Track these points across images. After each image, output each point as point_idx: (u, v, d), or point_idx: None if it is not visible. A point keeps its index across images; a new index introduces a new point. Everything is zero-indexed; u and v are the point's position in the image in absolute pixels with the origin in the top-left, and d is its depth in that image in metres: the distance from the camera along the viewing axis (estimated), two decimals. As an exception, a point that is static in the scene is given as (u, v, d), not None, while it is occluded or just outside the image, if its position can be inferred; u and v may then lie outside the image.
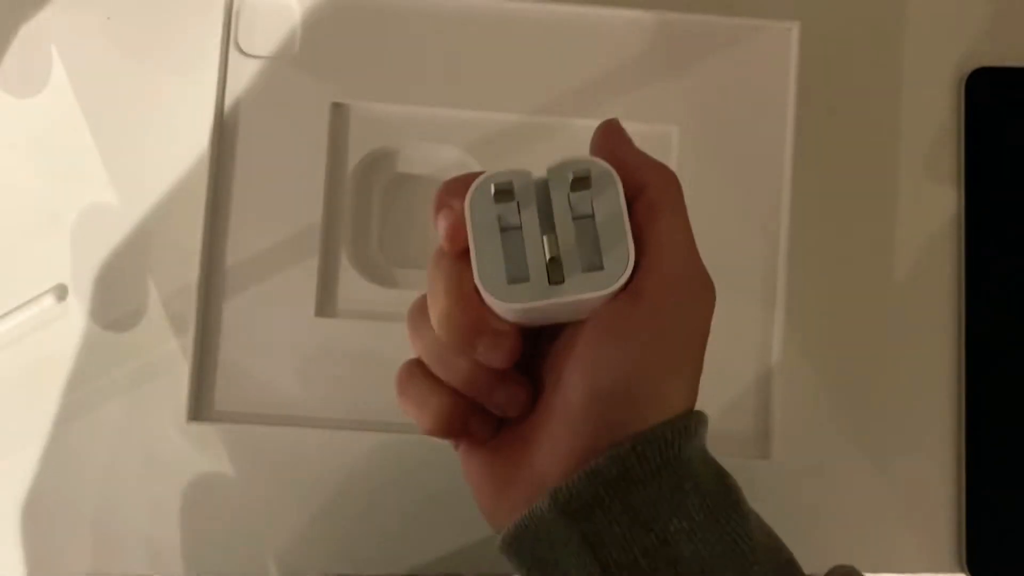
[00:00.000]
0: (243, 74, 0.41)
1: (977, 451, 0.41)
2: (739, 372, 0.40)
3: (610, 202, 0.27)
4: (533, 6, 0.41)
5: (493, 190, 0.27)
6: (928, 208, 0.43)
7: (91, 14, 0.43)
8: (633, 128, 0.42)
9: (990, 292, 0.42)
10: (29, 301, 0.42)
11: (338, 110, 0.41)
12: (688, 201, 0.41)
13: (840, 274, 0.43)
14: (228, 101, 0.41)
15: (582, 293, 0.26)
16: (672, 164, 0.41)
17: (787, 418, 0.40)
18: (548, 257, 0.27)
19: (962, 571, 0.41)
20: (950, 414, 0.42)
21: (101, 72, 0.43)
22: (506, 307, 0.27)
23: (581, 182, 0.27)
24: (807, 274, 0.42)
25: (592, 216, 0.27)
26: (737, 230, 0.41)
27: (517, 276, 0.27)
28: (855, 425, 0.42)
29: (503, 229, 0.27)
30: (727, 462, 0.40)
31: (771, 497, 0.42)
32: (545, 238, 0.27)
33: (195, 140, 0.41)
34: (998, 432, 0.41)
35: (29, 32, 0.43)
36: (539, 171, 0.28)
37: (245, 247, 0.41)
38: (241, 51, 0.41)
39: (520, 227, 0.27)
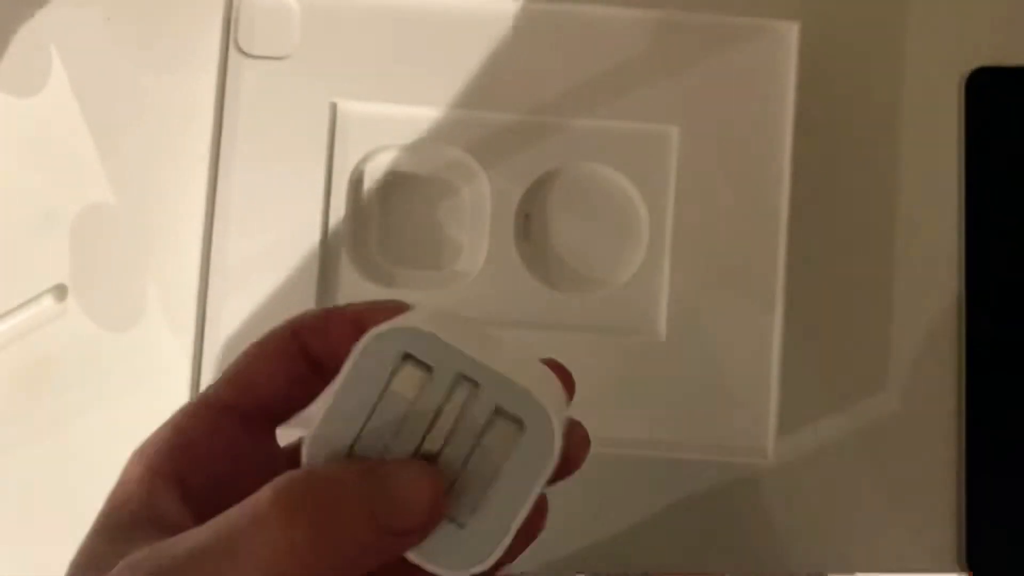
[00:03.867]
0: (243, 74, 0.41)
1: (977, 450, 0.41)
2: (739, 372, 0.40)
3: (526, 470, 0.21)
4: (533, 5, 0.41)
5: (399, 359, 0.21)
6: (929, 207, 0.43)
7: (90, 13, 0.43)
8: (633, 128, 0.42)
9: (991, 292, 0.42)
10: (28, 301, 0.42)
11: (338, 110, 0.41)
12: (688, 201, 0.41)
13: (840, 274, 0.42)
14: (228, 101, 0.41)
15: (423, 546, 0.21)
16: (672, 164, 0.41)
17: (787, 418, 0.40)
18: (419, 448, 0.21)
19: (962, 570, 0.41)
20: (950, 413, 0.42)
21: (100, 72, 0.43)
22: None
23: (507, 422, 0.21)
24: (807, 274, 0.42)
25: (496, 468, 0.21)
26: (737, 230, 0.41)
27: (365, 451, 0.21)
28: (855, 424, 0.42)
29: (381, 399, 0.21)
30: (727, 462, 0.40)
31: (771, 497, 0.42)
32: (423, 447, 0.21)
33: (195, 139, 0.41)
34: (999, 431, 0.41)
35: (28, 31, 0.43)
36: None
37: (245, 247, 0.41)
38: (241, 51, 0.41)
39: (408, 404, 0.21)
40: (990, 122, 0.43)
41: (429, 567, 0.21)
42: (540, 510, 0.24)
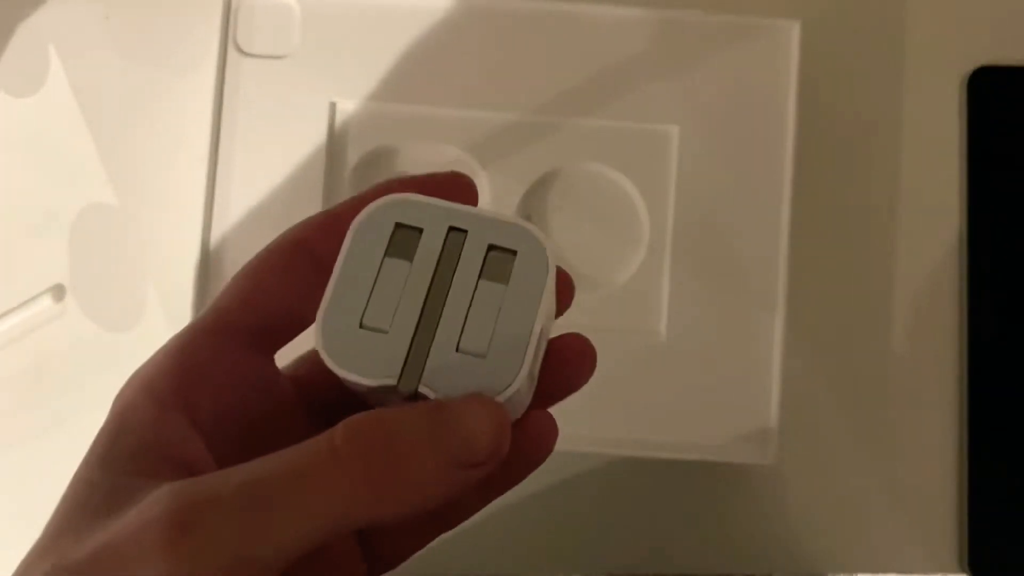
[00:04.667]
0: (242, 73, 0.41)
1: (979, 451, 0.41)
2: (739, 372, 0.40)
3: (527, 292, 0.22)
4: (533, 5, 0.41)
5: (392, 228, 0.22)
6: (930, 208, 0.43)
7: (89, 13, 0.43)
8: (633, 128, 0.42)
9: (993, 292, 0.42)
10: (27, 301, 0.42)
11: (337, 109, 0.41)
12: (689, 200, 0.41)
13: (841, 274, 0.42)
14: (227, 100, 0.41)
15: (445, 382, 0.21)
16: (672, 164, 0.41)
17: (787, 419, 0.40)
18: (420, 317, 0.21)
19: (963, 572, 0.41)
20: (952, 414, 0.42)
21: (99, 71, 0.43)
22: (346, 373, 0.21)
23: (502, 254, 0.22)
24: (808, 274, 0.42)
25: (500, 301, 0.22)
26: (737, 230, 0.41)
27: (374, 323, 0.21)
28: (856, 425, 0.42)
29: (381, 269, 0.22)
30: (727, 463, 0.40)
31: (771, 498, 0.42)
32: (430, 295, 0.22)
33: (194, 139, 0.41)
34: (1000, 432, 0.41)
35: (27, 30, 0.43)
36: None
37: (244, 247, 0.41)
38: (240, 50, 0.41)
39: (406, 273, 0.22)
40: (991, 122, 0.43)
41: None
42: (565, 287, 0.24)
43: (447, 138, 0.41)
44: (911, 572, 0.42)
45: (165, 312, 0.42)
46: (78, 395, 0.42)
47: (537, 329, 0.22)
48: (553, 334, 0.24)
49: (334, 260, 0.22)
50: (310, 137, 0.41)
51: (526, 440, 0.23)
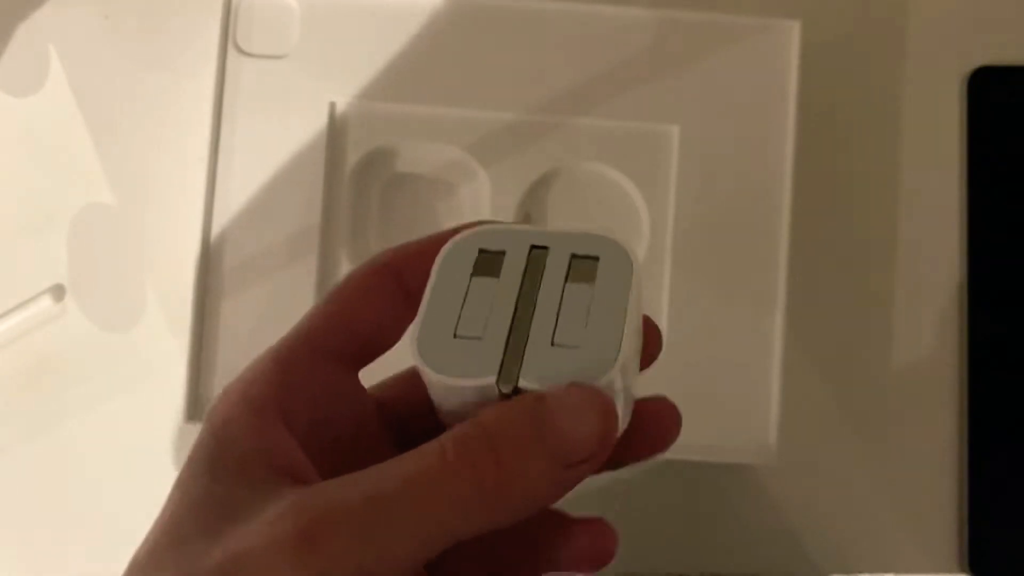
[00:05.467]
0: (241, 72, 0.41)
1: (979, 451, 0.41)
2: (740, 372, 0.40)
3: (615, 289, 0.22)
4: (533, 4, 0.41)
5: (477, 254, 0.23)
6: (931, 208, 0.43)
7: (89, 12, 0.43)
8: (633, 127, 0.42)
9: (994, 293, 0.42)
10: (26, 301, 0.42)
11: (337, 109, 0.41)
12: (689, 200, 0.41)
13: (841, 274, 0.42)
14: (226, 99, 0.41)
15: (545, 373, 0.21)
16: (672, 164, 0.41)
17: (788, 419, 0.40)
18: (513, 321, 0.22)
19: (964, 572, 0.41)
20: (952, 414, 0.42)
21: (99, 70, 0.43)
22: (445, 378, 0.21)
23: (585, 260, 0.23)
24: (808, 274, 0.42)
25: (590, 300, 0.22)
26: (737, 229, 0.41)
27: (467, 332, 0.22)
28: (856, 425, 0.42)
29: (470, 288, 0.23)
30: (728, 463, 0.40)
31: (772, 498, 0.42)
32: (519, 303, 0.22)
33: (193, 139, 0.41)
34: (1001, 432, 0.41)
35: (26, 30, 0.43)
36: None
37: (243, 247, 0.41)
38: (239, 49, 0.41)
39: (495, 288, 0.22)
40: (992, 122, 0.43)
41: (595, 378, 0.21)
42: (652, 332, 0.25)
43: (447, 138, 0.41)
44: (912, 572, 0.42)
45: (165, 312, 0.42)
46: (78, 395, 0.42)
47: (631, 316, 0.22)
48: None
49: (421, 287, 0.23)
50: (310, 137, 0.41)
51: (646, 419, 0.24)
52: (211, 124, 0.41)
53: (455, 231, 0.24)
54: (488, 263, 0.23)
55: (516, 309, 0.22)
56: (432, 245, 0.24)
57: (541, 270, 0.23)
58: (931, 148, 0.43)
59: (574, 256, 0.23)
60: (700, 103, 0.41)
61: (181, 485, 0.21)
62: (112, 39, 0.43)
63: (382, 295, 0.24)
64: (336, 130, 0.41)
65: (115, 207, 0.42)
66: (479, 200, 0.41)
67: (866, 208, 0.43)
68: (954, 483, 0.42)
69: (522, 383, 0.21)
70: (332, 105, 0.41)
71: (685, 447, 0.40)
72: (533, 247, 0.23)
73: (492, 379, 0.21)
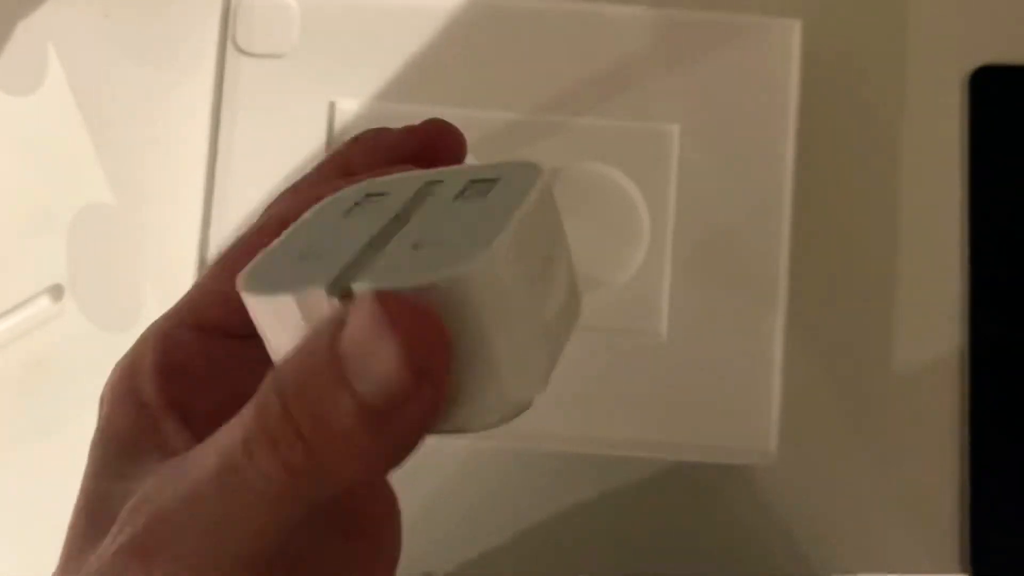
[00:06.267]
0: (241, 72, 0.41)
1: (981, 451, 0.41)
2: (741, 372, 0.40)
3: (510, 198, 0.17)
4: (533, 3, 0.41)
5: (363, 196, 0.19)
6: (933, 208, 0.43)
7: (88, 11, 0.43)
8: (633, 127, 0.42)
9: (996, 293, 0.42)
10: (24, 301, 0.42)
11: (337, 108, 0.41)
12: (689, 200, 0.41)
13: (843, 273, 0.42)
14: (226, 99, 0.41)
15: (386, 274, 0.16)
16: (673, 163, 0.41)
17: (789, 419, 0.40)
18: (374, 235, 0.17)
19: (966, 572, 0.41)
20: (954, 414, 0.42)
21: (98, 70, 0.43)
22: (261, 298, 0.16)
23: (479, 186, 0.18)
24: (809, 274, 0.41)
25: (477, 213, 0.17)
26: (738, 229, 0.40)
27: (311, 252, 0.17)
28: (858, 425, 0.42)
29: (335, 225, 0.18)
30: (729, 464, 0.40)
31: (773, 498, 0.42)
32: (389, 224, 0.18)
33: (192, 138, 0.41)
34: (1002, 433, 0.41)
35: (25, 29, 0.43)
36: None
37: (243, 247, 0.41)
38: (239, 49, 0.41)
39: (370, 215, 0.18)
40: (993, 121, 0.43)
41: (420, 280, 0.15)
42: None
43: (447, 137, 0.41)
44: (914, 573, 0.42)
45: (162, 312, 0.42)
46: (76, 395, 0.42)
47: (528, 219, 0.16)
48: None
49: None
50: (309, 136, 0.41)
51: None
52: (210, 124, 0.41)
53: (348, 153, 0.21)
54: (368, 202, 0.18)
55: (384, 229, 0.17)
56: (329, 179, 0.21)
57: (426, 197, 0.18)
58: (932, 147, 0.43)
59: (471, 181, 0.18)
60: (701, 102, 0.41)
61: (82, 484, 0.21)
62: (111, 38, 0.43)
63: None
64: (336, 129, 0.41)
65: (114, 207, 0.42)
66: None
67: (867, 208, 0.43)
68: (956, 483, 0.41)
69: (355, 287, 0.15)
70: (332, 105, 0.41)
71: (686, 448, 0.40)
72: (426, 183, 0.19)
73: (319, 289, 0.16)
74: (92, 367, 0.42)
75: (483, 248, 0.15)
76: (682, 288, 0.40)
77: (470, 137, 0.42)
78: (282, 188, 0.41)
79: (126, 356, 0.22)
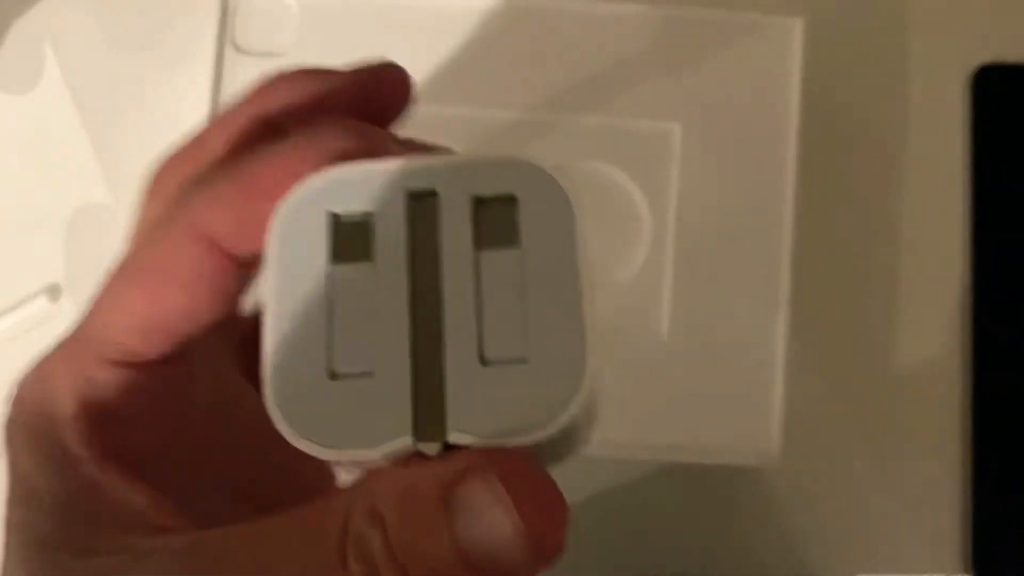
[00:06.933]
0: (239, 71, 0.41)
1: (984, 451, 0.41)
2: (743, 373, 0.40)
3: (554, 248, 0.15)
4: (533, 2, 0.41)
5: (328, 222, 0.15)
6: (935, 208, 0.42)
7: (85, 10, 0.43)
8: (634, 125, 0.42)
9: (999, 292, 0.42)
10: (21, 302, 0.41)
11: (335, 107, 0.41)
12: (691, 199, 0.41)
13: (844, 274, 0.42)
14: (224, 98, 0.41)
15: (481, 415, 0.14)
16: (674, 162, 0.40)
17: (792, 420, 0.40)
18: (414, 335, 0.14)
19: (968, 573, 0.41)
20: (957, 414, 0.42)
21: (95, 69, 0.42)
22: (335, 452, 0.14)
23: (496, 207, 0.15)
24: (811, 273, 0.41)
25: (519, 273, 0.15)
26: (740, 228, 0.40)
27: (349, 367, 0.14)
28: (860, 425, 0.42)
29: (334, 281, 0.15)
30: (731, 464, 0.40)
31: (774, 499, 0.42)
32: (415, 301, 0.15)
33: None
34: (1006, 433, 0.41)
35: (22, 27, 0.43)
36: None
37: (241, 247, 0.40)
38: (237, 48, 0.41)
39: (371, 280, 0.15)
40: (996, 120, 0.42)
41: (536, 435, 0.14)
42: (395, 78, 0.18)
43: (446, 136, 0.41)
44: (916, 573, 0.41)
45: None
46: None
47: (588, 288, 0.15)
48: None
49: (256, 251, 0.16)
50: (308, 135, 0.41)
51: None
52: (208, 123, 0.41)
53: (249, 106, 0.18)
54: (350, 238, 0.15)
55: (413, 312, 0.15)
56: (249, 197, 0.17)
57: (434, 235, 0.15)
58: (934, 146, 0.43)
59: (478, 202, 0.15)
60: (702, 101, 0.41)
61: (16, 559, 0.17)
62: (109, 37, 0.43)
63: (202, 278, 0.18)
64: (334, 129, 0.41)
65: (112, 206, 0.42)
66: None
67: (869, 207, 0.42)
68: (958, 483, 0.41)
69: (453, 438, 0.14)
70: (330, 103, 0.41)
71: (687, 448, 0.40)
72: (411, 195, 0.15)
73: (408, 442, 0.14)
74: (89, 368, 0.42)
75: (577, 362, 0.14)
76: (683, 288, 0.40)
77: (470, 135, 0.42)
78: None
79: (20, 405, 0.18)
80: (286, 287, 0.15)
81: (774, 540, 0.41)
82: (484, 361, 0.14)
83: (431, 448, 0.14)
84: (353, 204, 0.15)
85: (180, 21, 0.43)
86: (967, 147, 0.42)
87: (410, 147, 0.19)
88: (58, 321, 0.41)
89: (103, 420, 0.18)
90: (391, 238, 0.15)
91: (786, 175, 0.40)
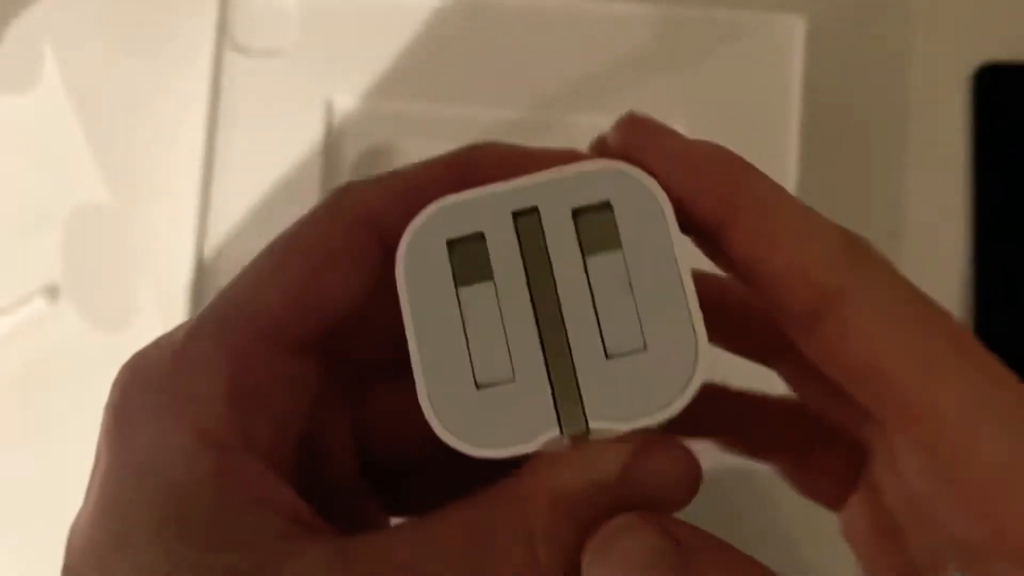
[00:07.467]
0: (238, 70, 0.41)
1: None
2: (741, 373, 0.40)
3: (652, 244, 0.17)
4: (533, 1, 0.41)
5: (446, 248, 0.17)
6: (936, 207, 0.42)
7: (84, 9, 0.43)
8: (635, 125, 0.42)
9: (1001, 292, 0.42)
10: (19, 301, 0.41)
11: (335, 107, 0.41)
12: (691, 199, 0.41)
13: (846, 273, 0.42)
14: (223, 97, 0.41)
15: (614, 403, 0.17)
16: (675, 161, 0.40)
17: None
18: (543, 341, 0.17)
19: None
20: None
21: (94, 68, 0.42)
22: (494, 451, 0.17)
23: (594, 215, 0.18)
24: (812, 273, 0.41)
25: (624, 272, 0.17)
26: (741, 228, 0.40)
27: (492, 376, 0.17)
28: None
29: (462, 302, 0.17)
30: (729, 465, 0.40)
31: (776, 499, 0.41)
32: (538, 311, 0.17)
33: (188, 137, 0.41)
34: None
35: (21, 27, 0.43)
36: None
37: (239, 247, 0.40)
38: (236, 47, 0.41)
39: (494, 296, 0.17)
40: (999, 119, 0.42)
41: (651, 419, 0.17)
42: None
43: (447, 135, 0.41)
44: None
45: (160, 312, 0.42)
46: (71, 397, 0.41)
47: (687, 278, 0.17)
48: None
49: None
50: (307, 135, 0.41)
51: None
52: (207, 122, 0.41)
53: (451, 160, 0.19)
54: (469, 261, 0.17)
55: (537, 321, 0.17)
56: (422, 181, 0.18)
57: (544, 249, 0.17)
58: (937, 145, 0.43)
59: (577, 213, 0.18)
60: (703, 99, 0.41)
61: (147, 558, 0.15)
62: (107, 35, 0.43)
63: (359, 262, 0.18)
64: (334, 128, 0.41)
65: (110, 206, 0.42)
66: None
67: (870, 206, 0.42)
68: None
69: (595, 425, 0.17)
70: (330, 103, 0.41)
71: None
72: (515, 214, 0.18)
73: (555, 432, 0.17)
74: (88, 368, 0.42)
75: (689, 347, 0.17)
76: (684, 288, 0.40)
77: (470, 134, 0.41)
78: (280, 187, 0.40)
79: (144, 378, 0.17)
80: (421, 311, 0.17)
81: (773, 540, 0.41)
82: (608, 354, 0.17)
83: (575, 431, 0.17)
84: (464, 229, 0.18)
85: (180, 21, 0.42)
86: (968, 146, 0.42)
87: (543, 156, 0.20)
88: (56, 321, 0.41)
89: (243, 402, 0.17)
90: (505, 256, 0.17)
91: (787, 174, 0.40)
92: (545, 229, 0.17)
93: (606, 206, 0.18)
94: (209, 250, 0.40)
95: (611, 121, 0.40)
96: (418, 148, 0.42)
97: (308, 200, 0.40)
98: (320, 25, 0.41)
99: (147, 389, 0.17)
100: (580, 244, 0.17)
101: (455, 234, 0.17)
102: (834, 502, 0.22)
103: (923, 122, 0.43)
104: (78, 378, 0.41)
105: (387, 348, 0.18)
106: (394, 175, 0.19)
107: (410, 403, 0.17)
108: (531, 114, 0.41)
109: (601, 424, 0.17)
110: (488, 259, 0.17)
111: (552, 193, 0.18)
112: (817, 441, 0.19)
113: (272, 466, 0.17)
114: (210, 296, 0.40)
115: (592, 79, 0.41)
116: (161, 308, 0.42)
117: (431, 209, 0.18)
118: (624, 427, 0.17)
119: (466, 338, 0.17)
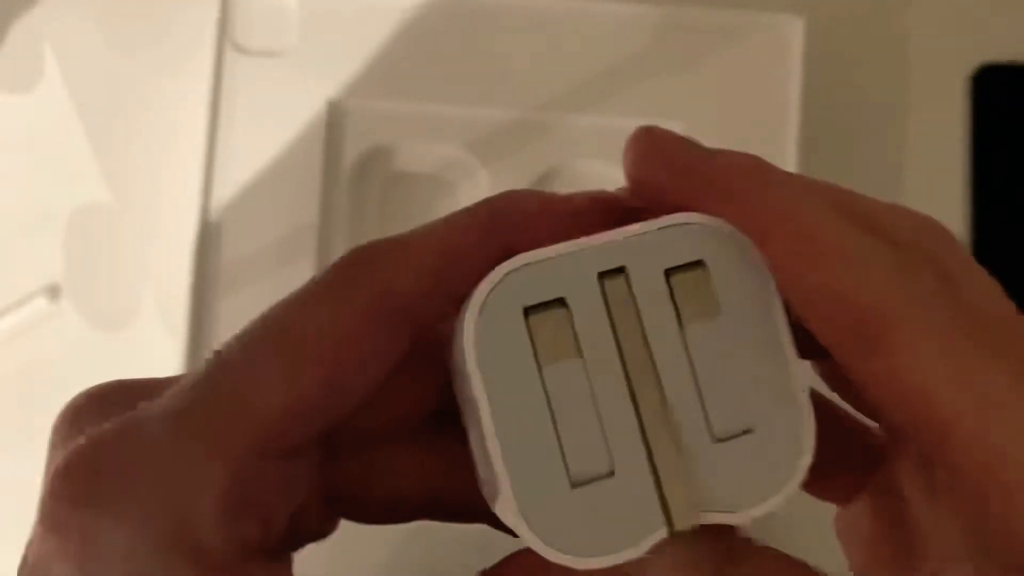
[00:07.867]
0: (239, 70, 0.41)
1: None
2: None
3: (751, 307, 0.15)
4: (533, 1, 0.41)
5: (524, 318, 0.15)
6: (935, 206, 0.42)
7: (85, 9, 0.43)
8: (635, 125, 0.42)
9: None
10: (20, 301, 0.41)
11: (335, 107, 0.41)
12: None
13: (845, 273, 0.42)
14: (223, 97, 0.41)
15: (726, 491, 0.15)
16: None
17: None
18: (643, 427, 0.15)
19: (969, 574, 0.41)
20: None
21: (95, 69, 0.42)
22: (599, 560, 0.15)
23: (688, 276, 0.15)
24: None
25: (725, 341, 0.15)
26: (741, 228, 0.40)
27: (588, 470, 0.15)
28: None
29: (547, 383, 0.15)
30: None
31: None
32: (634, 391, 0.15)
33: (189, 137, 0.41)
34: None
35: (21, 28, 0.43)
36: None
37: (240, 247, 0.40)
38: (237, 47, 0.41)
39: (583, 375, 0.15)
40: (996, 119, 0.42)
41: (767, 505, 0.15)
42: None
43: (447, 136, 0.41)
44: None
45: (161, 312, 0.42)
46: (73, 395, 0.41)
47: (791, 349, 0.15)
48: None
49: (433, 325, 0.16)
50: (307, 135, 0.41)
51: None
52: (207, 122, 0.40)
53: (474, 217, 0.17)
54: (551, 332, 0.15)
55: (635, 403, 0.15)
56: (447, 251, 0.16)
57: (636, 317, 0.15)
58: (935, 145, 0.43)
59: (669, 273, 0.15)
60: (703, 100, 0.41)
61: None
62: (108, 36, 0.42)
63: (383, 356, 0.16)
64: (334, 128, 0.41)
65: (111, 206, 0.42)
66: (478, 199, 0.41)
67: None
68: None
69: (708, 519, 0.15)
70: (330, 103, 0.41)
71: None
72: (601, 275, 0.15)
73: (662, 532, 0.15)
74: (88, 368, 0.42)
75: (797, 418, 0.15)
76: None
77: (470, 134, 0.42)
78: (280, 186, 0.40)
79: (119, 477, 0.15)
80: (500, 395, 0.15)
81: (775, 541, 0.41)
82: (715, 437, 0.15)
83: (688, 528, 0.15)
84: (544, 295, 0.15)
85: (180, 21, 0.42)
86: (967, 146, 0.42)
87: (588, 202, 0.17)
88: (57, 321, 0.41)
89: (240, 512, 0.15)
90: (593, 327, 0.15)
91: (787, 174, 0.40)
92: (635, 294, 0.15)
93: (698, 263, 0.15)
94: (209, 250, 0.40)
95: (611, 121, 0.40)
96: (419, 148, 0.42)
97: (308, 199, 0.40)
98: (320, 25, 0.41)
99: (125, 481, 0.15)
100: (676, 310, 0.15)
101: (532, 301, 0.15)
102: (841, 499, 0.21)
103: (922, 122, 0.43)
104: (78, 377, 0.41)
105: (382, 416, 0.17)
106: (417, 238, 0.17)
107: (399, 462, 0.16)
108: (531, 114, 0.41)
109: (712, 519, 0.15)
110: (574, 331, 0.15)
111: (639, 251, 0.15)
112: (833, 435, 0.18)
113: (269, 569, 0.16)
114: (210, 296, 0.40)
115: (592, 79, 0.41)
116: (161, 308, 0.42)
117: (501, 271, 0.15)
118: (737, 520, 0.15)
119: (556, 426, 0.15)
